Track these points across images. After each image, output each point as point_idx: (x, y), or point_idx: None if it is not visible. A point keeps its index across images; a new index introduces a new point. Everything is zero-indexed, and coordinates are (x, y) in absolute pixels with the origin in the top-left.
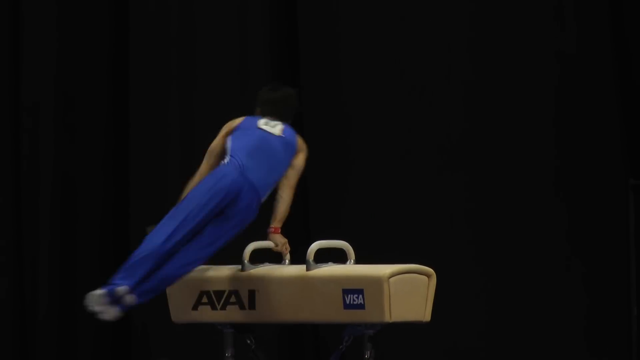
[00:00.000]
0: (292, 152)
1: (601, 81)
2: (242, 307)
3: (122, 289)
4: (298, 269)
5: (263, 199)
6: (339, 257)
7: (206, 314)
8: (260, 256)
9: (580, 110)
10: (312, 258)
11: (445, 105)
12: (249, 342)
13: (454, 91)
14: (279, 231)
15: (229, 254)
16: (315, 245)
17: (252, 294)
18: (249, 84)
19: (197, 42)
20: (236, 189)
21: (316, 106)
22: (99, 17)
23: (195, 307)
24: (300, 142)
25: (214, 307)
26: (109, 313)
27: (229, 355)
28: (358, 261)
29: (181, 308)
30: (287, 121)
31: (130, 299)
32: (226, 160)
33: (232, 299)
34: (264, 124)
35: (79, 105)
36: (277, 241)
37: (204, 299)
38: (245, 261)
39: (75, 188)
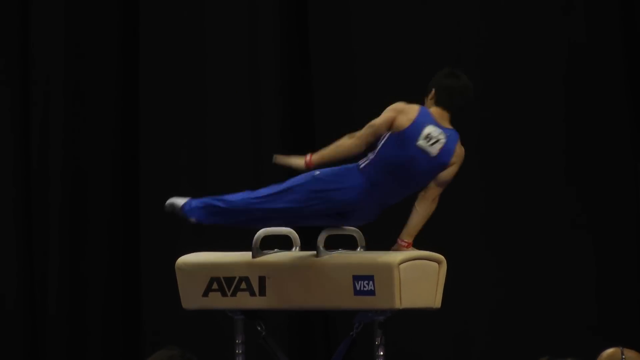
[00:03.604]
0: (441, 169)
1: (610, 68)
2: (252, 294)
3: (191, 220)
4: (308, 256)
5: (387, 206)
6: (349, 243)
7: (216, 301)
8: (271, 242)
9: (589, 97)
10: (323, 244)
11: None
12: (259, 328)
13: None
14: (411, 246)
15: (239, 241)
16: (326, 232)
17: (262, 280)
18: (260, 77)
19: (206, 31)
20: (350, 205)
21: (327, 103)
22: (109, 7)
23: (205, 294)
24: (456, 156)
25: (224, 294)
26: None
27: (239, 341)
28: (368, 247)
29: (191, 294)
30: (459, 110)
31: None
32: (363, 162)
33: (243, 286)
34: (426, 137)
35: (88, 99)
36: None
37: (214, 286)
38: (256, 247)
39: (85, 184)
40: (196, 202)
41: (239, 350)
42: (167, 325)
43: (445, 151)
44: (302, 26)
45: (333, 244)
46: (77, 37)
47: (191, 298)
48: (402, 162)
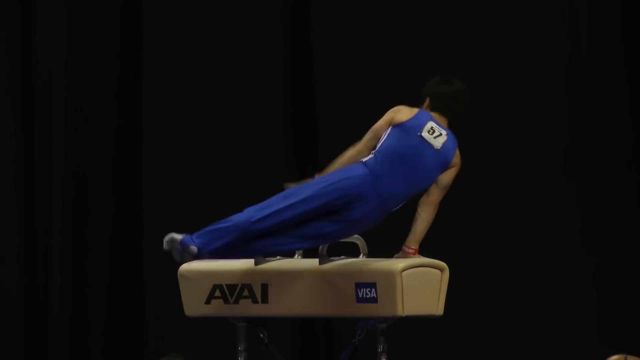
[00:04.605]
0: (444, 168)
1: (613, 77)
2: (254, 301)
3: (191, 248)
4: (311, 263)
5: (393, 209)
6: (351, 251)
7: (219, 308)
8: None
9: (592, 106)
10: (325, 252)
11: None
12: (261, 335)
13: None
14: (417, 252)
15: None
16: None
17: (265, 287)
18: (262, 90)
19: (209, 43)
20: (356, 195)
21: (330, 116)
22: (110, 10)
23: (208, 301)
24: (456, 158)
25: (226, 301)
26: (177, 256)
27: (242, 349)
28: (370, 255)
29: (194, 302)
30: (455, 116)
31: (192, 257)
32: (367, 158)
33: (245, 293)
34: (429, 130)
35: (91, 103)
36: None
37: (217, 293)
38: None
39: (87, 183)
40: (196, 234)
41: (241, 358)
42: (170, 332)
43: (448, 148)
44: (304, 39)
45: (336, 251)
46: (80, 41)
47: (194, 305)
48: (405, 150)
